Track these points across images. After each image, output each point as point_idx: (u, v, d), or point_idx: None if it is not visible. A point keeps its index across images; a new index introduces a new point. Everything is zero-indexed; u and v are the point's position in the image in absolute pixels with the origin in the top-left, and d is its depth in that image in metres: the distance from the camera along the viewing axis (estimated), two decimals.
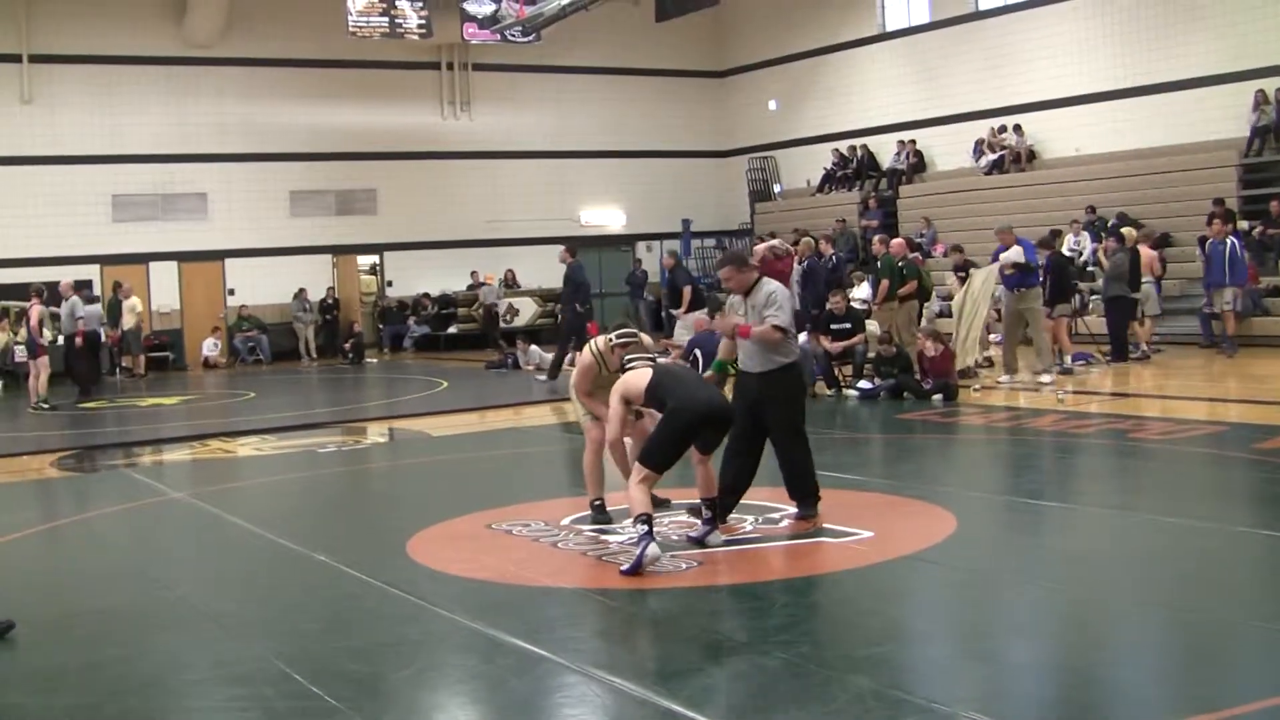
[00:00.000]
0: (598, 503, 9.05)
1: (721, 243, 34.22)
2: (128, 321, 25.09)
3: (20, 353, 24.88)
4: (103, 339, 21.82)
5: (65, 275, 24.89)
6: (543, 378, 20.08)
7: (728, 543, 8.27)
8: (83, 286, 23.68)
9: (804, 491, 8.85)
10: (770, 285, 8.80)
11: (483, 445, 14.75)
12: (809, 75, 32.40)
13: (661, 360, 8.81)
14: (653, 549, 7.50)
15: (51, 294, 21.91)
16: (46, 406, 19.53)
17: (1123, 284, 18.70)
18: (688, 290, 20.47)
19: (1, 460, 14.43)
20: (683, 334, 20.79)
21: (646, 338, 9.14)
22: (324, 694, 5.69)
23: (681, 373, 8.25)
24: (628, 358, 8.50)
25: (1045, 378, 16.39)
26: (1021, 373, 16.98)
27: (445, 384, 21.48)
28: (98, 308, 21.21)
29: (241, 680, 6.01)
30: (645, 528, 7.53)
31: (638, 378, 8.17)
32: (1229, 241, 19.14)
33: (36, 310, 20.25)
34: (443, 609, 7.08)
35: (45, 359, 20.33)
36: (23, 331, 25.25)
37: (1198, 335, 19.94)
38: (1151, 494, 10.05)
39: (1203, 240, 20.48)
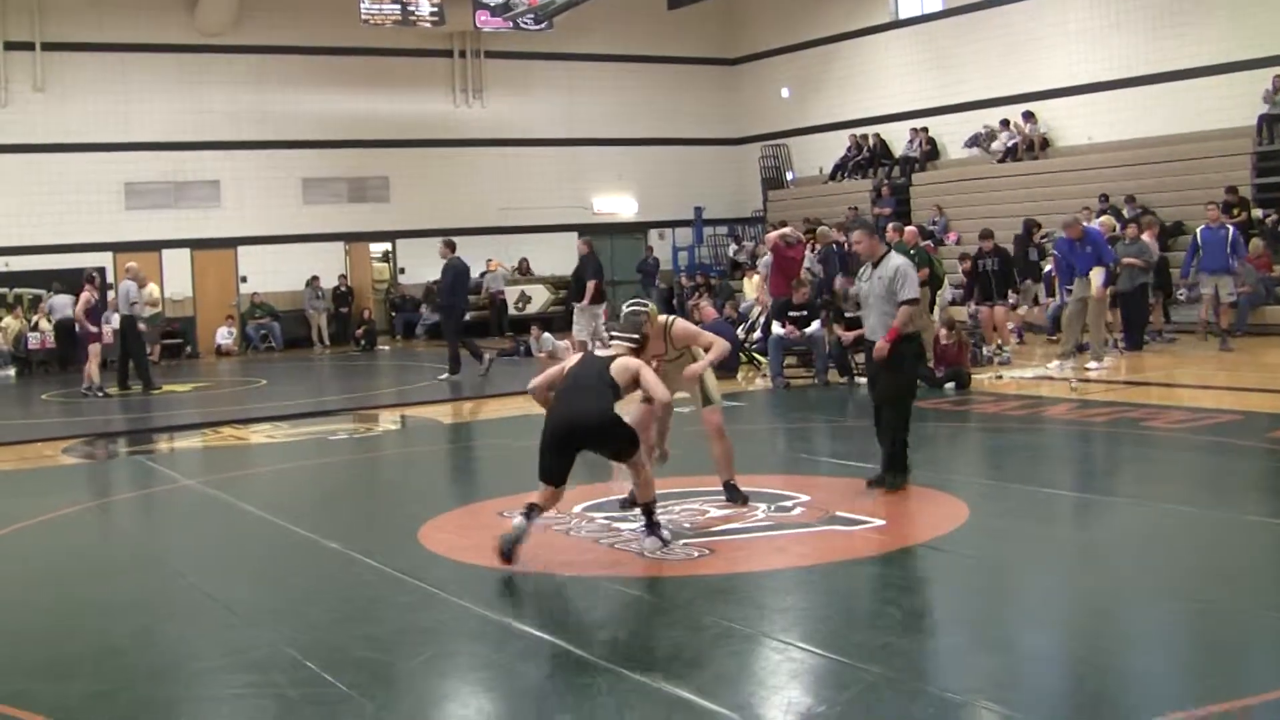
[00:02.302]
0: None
1: (734, 230, 34.20)
2: (145, 309, 25.04)
3: (34, 339, 25.01)
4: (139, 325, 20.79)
5: (77, 264, 25.04)
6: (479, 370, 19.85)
7: (739, 530, 8.26)
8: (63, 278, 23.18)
9: (892, 461, 9.25)
10: (898, 259, 9.36)
11: (494, 432, 14.76)
12: (821, 63, 32.31)
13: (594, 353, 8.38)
14: (508, 533, 7.50)
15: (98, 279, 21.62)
16: (101, 394, 19.31)
17: (1145, 273, 18.63)
18: (593, 284, 20.24)
19: (13, 447, 14.45)
20: (580, 326, 20.70)
21: (658, 316, 8.96)
22: (336, 681, 5.70)
23: (572, 379, 7.92)
24: (611, 334, 8.33)
25: (1091, 363, 16.44)
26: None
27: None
28: (128, 286, 20.36)
29: (254, 668, 6.01)
30: (523, 520, 7.52)
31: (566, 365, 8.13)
32: (1229, 228, 19.08)
33: (84, 296, 20.13)
34: (454, 596, 7.08)
35: (94, 346, 19.87)
36: (36, 318, 25.41)
37: (1210, 323, 19.80)
38: (1164, 483, 10.01)
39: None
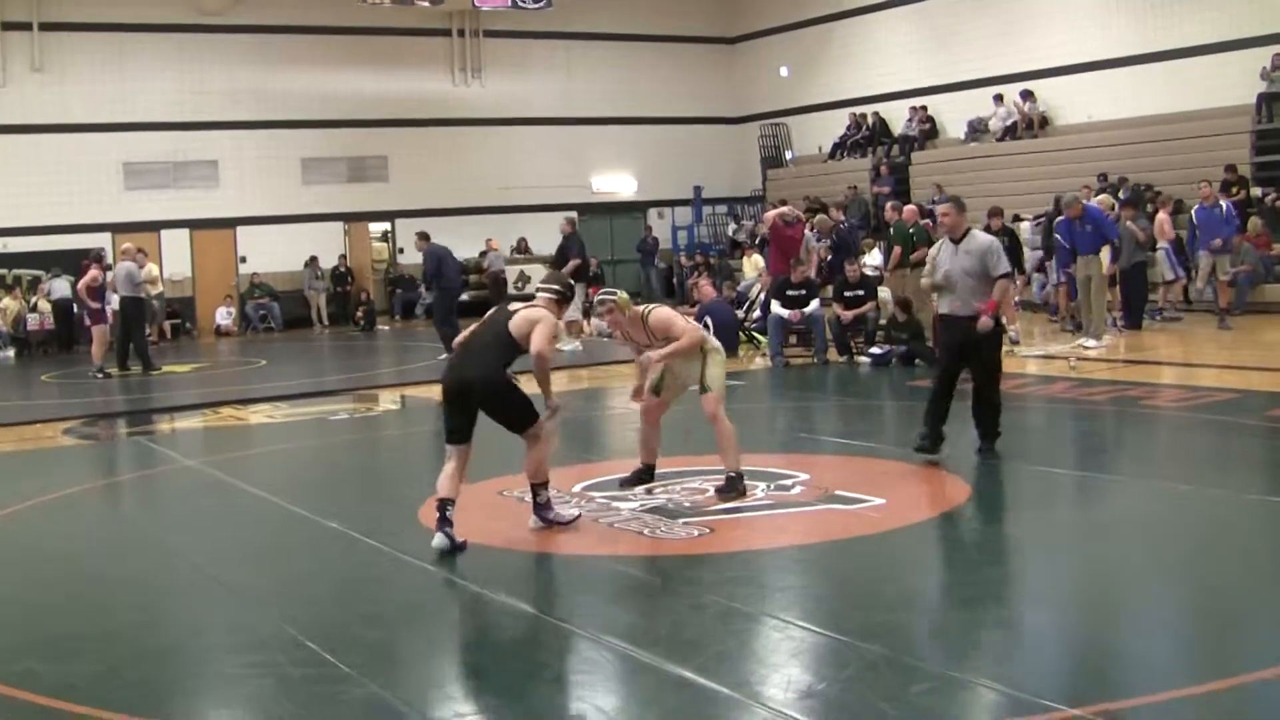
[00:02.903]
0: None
1: (733, 209, 34.15)
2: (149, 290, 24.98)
3: (33, 321, 25.01)
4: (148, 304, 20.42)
5: (76, 245, 25.03)
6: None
7: (739, 509, 8.28)
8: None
9: (991, 429, 9.73)
10: (985, 236, 9.72)
11: None
12: (821, 41, 32.21)
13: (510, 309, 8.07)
14: (438, 539, 7.43)
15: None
16: (101, 375, 19.18)
17: (1143, 251, 18.62)
18: (574, 261, 20.13)
19: (13, 428, 14.46)
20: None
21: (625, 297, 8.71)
22: (337, 660, 5.72)
23: (470, 338, 7.91)
24: (539, 286, 8.19)
25: (1089, 342, 16.41)
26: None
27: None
28: (129, 267, 20.14)
29: (255, 647, 6.04)
30: (444, 539, 7.43)
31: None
32: (1223, 205, 19.03)
33: (91, 273, 20.03)
34: (454, 576, 7.10)
35: (99, 327, 19.79)
36: (35, 299, 25.40)
37: (1210, 302, 19.83)
38: (1164, 461, 10.04)
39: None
